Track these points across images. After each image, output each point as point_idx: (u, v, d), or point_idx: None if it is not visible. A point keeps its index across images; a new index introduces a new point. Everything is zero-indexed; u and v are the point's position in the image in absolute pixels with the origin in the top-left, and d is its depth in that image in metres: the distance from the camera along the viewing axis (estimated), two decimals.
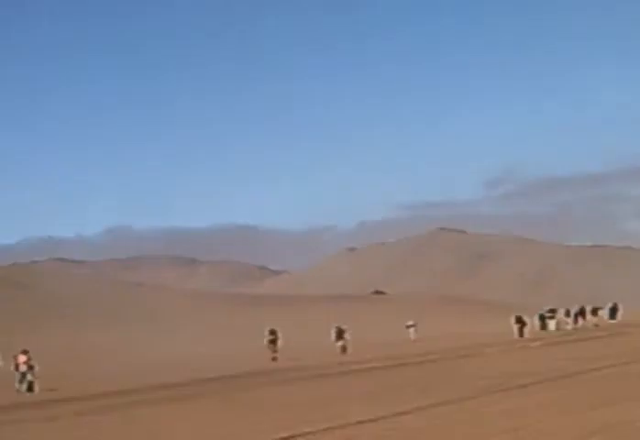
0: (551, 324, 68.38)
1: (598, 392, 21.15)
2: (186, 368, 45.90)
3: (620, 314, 73.70)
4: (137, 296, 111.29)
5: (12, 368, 38.94)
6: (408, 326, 68.93)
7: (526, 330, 61.32)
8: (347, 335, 54.68)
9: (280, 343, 52.46)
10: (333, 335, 54.81)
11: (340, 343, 53.69)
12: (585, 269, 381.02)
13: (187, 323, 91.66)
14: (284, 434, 16.73)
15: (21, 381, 38.36)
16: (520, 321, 61.45)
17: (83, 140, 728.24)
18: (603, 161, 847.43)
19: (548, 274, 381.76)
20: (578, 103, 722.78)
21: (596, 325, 69.68)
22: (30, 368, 38.64)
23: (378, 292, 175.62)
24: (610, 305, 76.36)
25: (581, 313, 71.66)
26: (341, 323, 57.44)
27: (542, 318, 69.13)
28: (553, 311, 70.85)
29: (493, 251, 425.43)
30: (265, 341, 52.95)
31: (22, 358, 38.93)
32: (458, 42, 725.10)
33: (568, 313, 70.56)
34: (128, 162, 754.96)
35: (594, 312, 74.04)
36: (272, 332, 52.90)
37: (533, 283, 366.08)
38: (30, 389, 37.98)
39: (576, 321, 68.81)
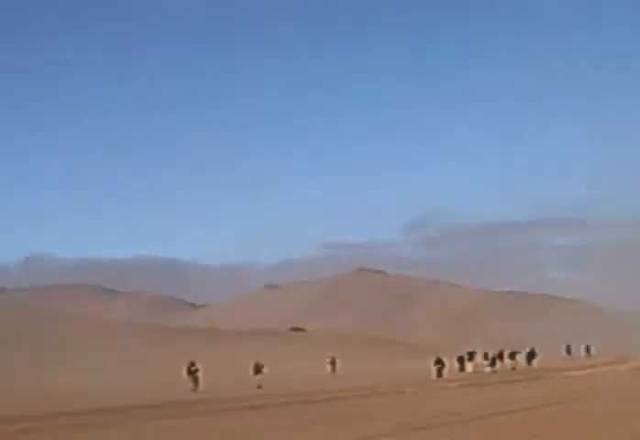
0: (469, 367, 68.68)
1: (513, 434, 21.02)
2: (98, 398, 44.90)
3: (537, 360, 74.18)
4: (54, 324, 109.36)
5: None
6: (327, 363, 68.57)
7: (445, 371, 61.42)
8: (264, 370, 54.39)
9: (200, 375, 52.05)
10: (251, 370, 54.48)
11: (258, 377, 53.38)
12: (505, 315, 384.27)
13: (103, 352, 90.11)
14: None
15: None
16: (439, 362, 61.50)
17: (1, 169, 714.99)
18: (528, 210, 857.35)
19: (468, 318, 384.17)
20: (504, 151, 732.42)
21: (513, 369, 70.14)
22: None
23: (296, 329, 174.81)
24: (527, 350, 76.94)
25: (500, 356, 72.07)
26: (259, 358, 57.02)
27: (460, 360, 69.45)
28: (471, 353, 71.19)
29: (414, 293, 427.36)
30: (184, 373, 52.48)
31: None
32: (391, 76, 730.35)
33: (486, 356, 70.89)
34: (49, 190, 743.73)
35: (512, 356, 74.61)
36: (192, 364, 52.53)
37: (453, 326, 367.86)
38: None
39: (493, 364, 69.05)
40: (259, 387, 51.27)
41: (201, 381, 51.62)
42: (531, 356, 75.03)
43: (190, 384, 50.79)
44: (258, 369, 54.30)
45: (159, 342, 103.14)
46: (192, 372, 52.05)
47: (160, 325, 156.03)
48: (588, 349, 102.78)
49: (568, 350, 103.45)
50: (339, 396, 39.59)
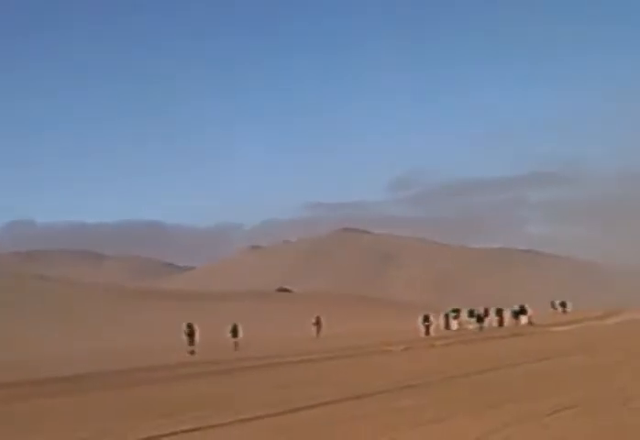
0: (454, 324, 69.07)
1: (500, 389, 21.25)
2: (84, 362, 44.97)
3: (528, 316, 74.07)
4: (40, 289, 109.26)
5: None
6: (312, 324, 68.68)
7: (432, 329, 61.84)
8: (239, 333, 55.07)
9: (197, 337, 52.51)
10: (228, 333, 55.12)
11: (235, 340, 54.08)
12: (490, 272, 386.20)
13: (91, 317, 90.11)
14: (186, 428, 16.43)
15: None
16: (427, 320, 61.95)
17: None
18: (509, 166, 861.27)
19: (453, 276, 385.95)
20: (486, 108, 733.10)
21: (500, 326, 70.56)
22: None
23: (283, 290, 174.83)
24: (517, 307, 77.00)
25: (485, 313, 72.41)
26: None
27: (446, 318, 69.90)
28: (457, 311, 71.57)
29: (399, 252, 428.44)
30: (184, 335, 52.88)
31: None
32: (372, 38, 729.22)
33: (471, 314, 71.19)
34: (31, 155, 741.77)
35: (498, 313, 74.95)
36: (189, 326, 53.01)
37: (438, 284, 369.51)
38: None
39: (480, 321, 69.46)
40: (236, 348, 52.03)
41: (196, 343, 52.04)
42: (521, 312, 74.99)
43: (188, 346, 51.22)
44: (235, 332, 55.02)
45: (147, 306, 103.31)
46: (189, 334, 52.55)
47: (148, 289, 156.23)
48: (564, 305, 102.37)
49: (554, 306, 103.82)
50: (326, 356, 39.82)
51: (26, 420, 20.61)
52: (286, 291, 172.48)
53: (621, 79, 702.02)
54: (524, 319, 72.76)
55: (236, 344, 53.59)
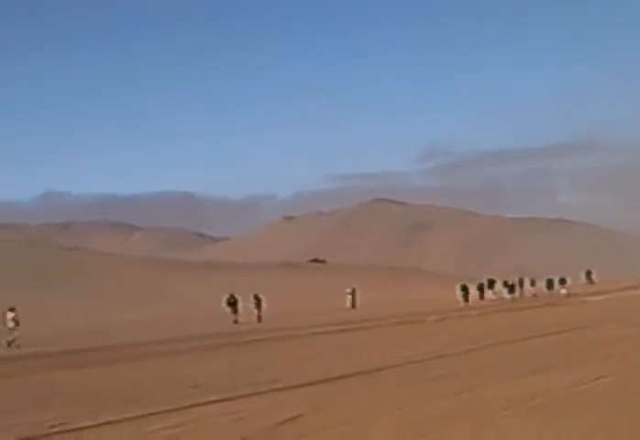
0: (489, 294, 69.13)
1: (532, 359, 21.34)
2: (115, 334, 45.30)
3: (566, 287, 73.45)
4: (73, 260, 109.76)
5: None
6: (348, 293, 68.55)
7: (470, 298, 62.17)
8: (263, 304, 55.03)
9: (240, 307, 52.72)
10: (252, 303, 55.01)
11: (257, 311, 54.09)
12: (522, 241, 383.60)
13: (123, 288, 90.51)
14: (218, 397, 16.62)
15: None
16: (465, 289, 62.27)
17: (20, 104, 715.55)
18: (538, 136, 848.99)
19: (486, 245, 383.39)
20: (511, 77, 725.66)
21: (534, 296, 70.56)
22: (17, 323, 41.25)
23: (316, 261, 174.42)
24: (552, 277, 76.83)
25: (520, 283, 72.47)
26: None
27: (480, 288, 69.84)
28: (492, 281, 71.53)
29: (431, 222, 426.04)
30: (224, 305, 53.12)
31: (10, 315, 41.19)
32: (390, 15, 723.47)
33: (506, 284, 71.21)
34: (66, 127, 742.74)
35: (532, 283, 75.10)
36: (232, 296, 53.26)
37: (470, 254, 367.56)
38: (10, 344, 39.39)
39: (513, 291, 69.55)
40: (259, 320, 52.10)
41: (240, 313, 52.26)
42: (561, 283, 74.53)
43: (232, 316, 51.54)
44: (258, 303, 55.04)
45: (179, 276, 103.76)
46: (232, 304, 52.78)
47: (181, 260, 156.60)
48: (589, 275, 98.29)
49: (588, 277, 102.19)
50: (360, 327, 39.96)
51: (42, 392, 20.74)
52: (320, 261, 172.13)
53: None
54: (563, 290, 72.36)
55: (259, 317, 53.50)
